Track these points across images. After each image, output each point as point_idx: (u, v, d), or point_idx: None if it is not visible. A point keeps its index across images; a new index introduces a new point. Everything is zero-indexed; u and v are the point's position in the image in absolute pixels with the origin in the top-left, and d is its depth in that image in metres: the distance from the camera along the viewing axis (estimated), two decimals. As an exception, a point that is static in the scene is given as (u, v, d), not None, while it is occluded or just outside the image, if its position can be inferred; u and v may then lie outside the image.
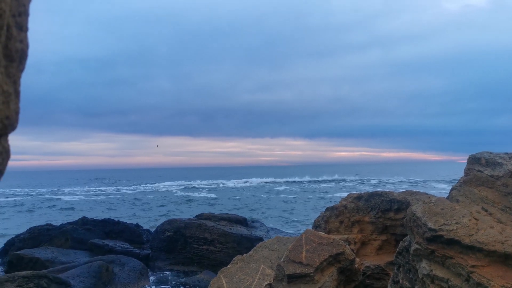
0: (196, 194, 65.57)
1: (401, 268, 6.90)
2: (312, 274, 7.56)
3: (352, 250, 9.16)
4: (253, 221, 21.87)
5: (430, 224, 5.92)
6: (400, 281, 6.79)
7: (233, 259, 8.67)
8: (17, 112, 1.30)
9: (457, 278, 5.59)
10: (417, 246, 6.12)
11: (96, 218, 23.54)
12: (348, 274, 8.29)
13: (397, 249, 7.08)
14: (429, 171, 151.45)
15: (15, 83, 1.29)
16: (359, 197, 10.50)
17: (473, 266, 5.45)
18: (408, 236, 6.76)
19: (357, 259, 8.75)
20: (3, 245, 22.09)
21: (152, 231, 22.09)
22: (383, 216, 9.97)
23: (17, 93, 1.30)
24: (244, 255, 8.78)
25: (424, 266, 5.96)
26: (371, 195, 10.32)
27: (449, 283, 5.60)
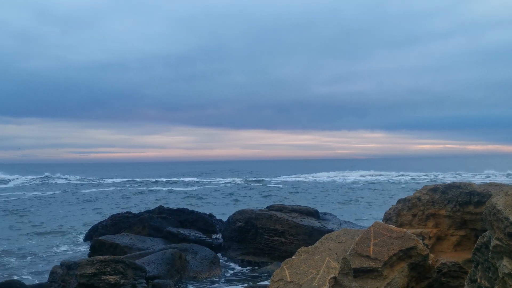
0: (270, 185, 66.04)
1: (479, 266, 6.25)
2: (380, 269, 7.11)
3: (426, 245, 8.54)
4: (325, 214, 21.40)
5: (513, 218, 5.28)
6: (478, 280, 6.16)
7: (298, 250, 8.40)
8: None
9: (544, 279, 4.93)
10: (498, 242, 5.49)
11: (172, 208, 24.40)
12: (421, 270, 7.72)
13: (476, 245, 6.42)
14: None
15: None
16: (434, 189, 9.75)
17: None
18: (487, 231, 6.10)
19: (432, 255, 8.12)
20: (88, 231, 23.66)
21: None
22: (461, 209, 9.18)
23: None
24: (309, 246, 8.48)
25: (505, 265, 5.33)
26: (448, 187, 9.53)
27: (535, 285, 4.96)
